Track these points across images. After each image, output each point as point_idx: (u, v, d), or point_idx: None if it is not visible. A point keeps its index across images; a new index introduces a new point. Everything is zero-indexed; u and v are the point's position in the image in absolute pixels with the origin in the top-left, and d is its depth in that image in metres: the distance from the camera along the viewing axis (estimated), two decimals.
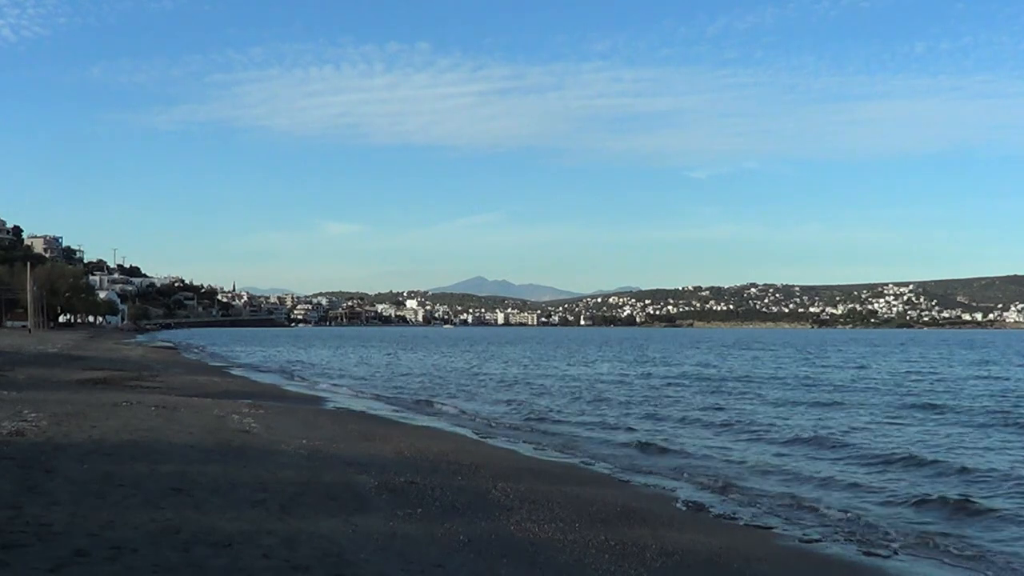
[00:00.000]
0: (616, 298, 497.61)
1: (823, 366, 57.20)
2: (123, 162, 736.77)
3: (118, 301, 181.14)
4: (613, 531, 10.26)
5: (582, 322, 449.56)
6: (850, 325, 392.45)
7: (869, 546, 10.76)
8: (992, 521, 12.20)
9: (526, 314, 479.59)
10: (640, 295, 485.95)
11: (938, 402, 29.76)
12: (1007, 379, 43.87)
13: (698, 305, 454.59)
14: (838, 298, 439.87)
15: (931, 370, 52.22)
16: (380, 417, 23.54)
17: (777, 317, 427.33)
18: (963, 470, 15.88)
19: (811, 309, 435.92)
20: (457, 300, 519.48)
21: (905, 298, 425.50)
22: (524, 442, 19.51)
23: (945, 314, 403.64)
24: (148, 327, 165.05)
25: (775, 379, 43.02)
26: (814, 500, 13.41)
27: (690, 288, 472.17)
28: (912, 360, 66.84)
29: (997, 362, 64.19)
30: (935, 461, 16.84)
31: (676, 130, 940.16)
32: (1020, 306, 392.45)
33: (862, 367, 55.55)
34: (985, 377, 45.58)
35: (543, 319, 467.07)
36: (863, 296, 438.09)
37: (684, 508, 12.61)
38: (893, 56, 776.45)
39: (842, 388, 37.17)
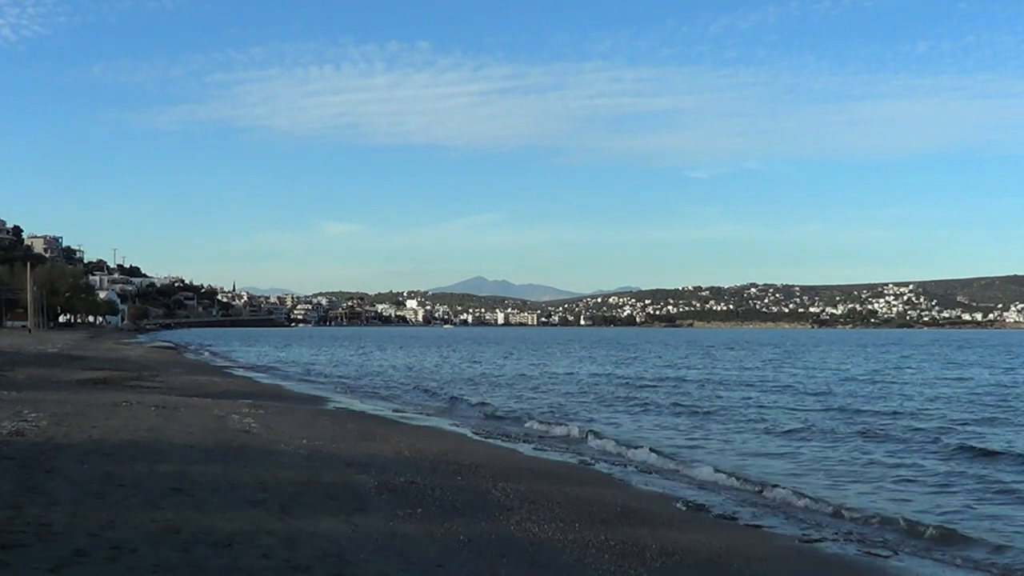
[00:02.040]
0: (616, 298, 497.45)
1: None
2: (123, 162, 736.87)
3: (118, 301, 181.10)
4: (613, 531, 10.26)
5: (582, 322, 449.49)
6: (850, 325, 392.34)
7: (869, 546, 10.77)
8: None
9: (526, 314, 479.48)
10: (640, 295, 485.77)
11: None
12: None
13: (698, 305, 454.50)
14: (838, 298, 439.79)
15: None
16: (380, 417, 23.54)
17: (777, 317, 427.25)
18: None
19: (811, 309, 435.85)
20: (457, 300, 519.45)
21: (905, 298, 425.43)
22: (524, 442, 19.54)
23: (945, 314, 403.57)
24: (148, 327, 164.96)
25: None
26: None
27: (690, 288, 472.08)
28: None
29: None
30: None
31: (677, 130, 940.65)
32: (1020, 306, 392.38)
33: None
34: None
35: (543, 319, 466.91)
36: (863, 296, 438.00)
37: (684, 508, 12.61)
38: (895, 56, 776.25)
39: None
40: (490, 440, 19.58)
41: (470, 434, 20.59)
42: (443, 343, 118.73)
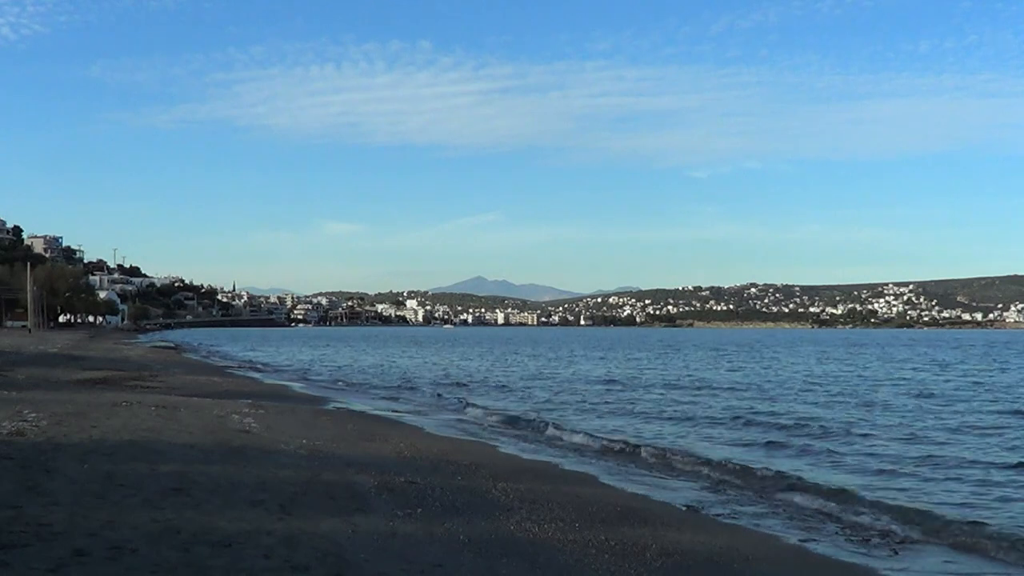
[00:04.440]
0: (616, 298, 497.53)
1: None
2: (123, 162, 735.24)
3: (118, 301, 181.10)
4: (613, 531, 10.26)
5: (582, 322, 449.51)
6: (850, 325, 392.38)
7: (869, 546, 10.78)
8: None
9: (526, 314, 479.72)
10: (640, 295, 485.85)
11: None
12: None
13: (698, 305, 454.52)
14: (838, 298, 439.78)
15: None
16: (380, 417, 23.55)
17: (777, 317, 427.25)
18: None
19: (811, 309, 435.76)
20: (457, 300, 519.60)
21: (905, 298, 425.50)
22: (524, 442, 19.55)
23: (945, 314, 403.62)
24: (148, 327, 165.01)
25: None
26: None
27: (690, 288, 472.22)
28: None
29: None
30: None
31: (678, 129, 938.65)
32: (1020, 306, 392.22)
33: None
34: None
35: (543, 319, 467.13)
36: (863, 296, 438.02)
37: (684, 508, 12.62)
38: (897, 55, 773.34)
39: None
40: (490, 440, 19.59)
41: (470, 434, 20.61)
42: (422, 343, 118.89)
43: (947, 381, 42.66)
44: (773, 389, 36.85)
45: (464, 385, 39.05)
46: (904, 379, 44.42)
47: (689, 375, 47.21)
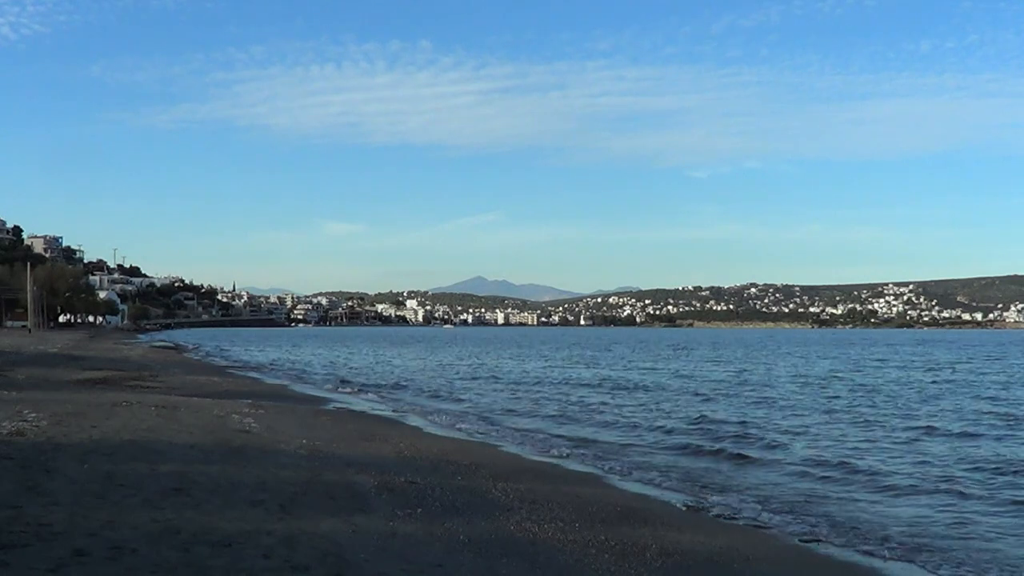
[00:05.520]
0: (616, 298, 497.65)
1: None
2: (123, 162, 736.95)
3: (118, 301, 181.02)
4: (613, 531, 10.26)
5: (582, 322, 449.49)
6: (850, 325, 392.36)
7: (869, 547, 10.78)
8: None
9: (526, 314, 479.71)
10: (640, 295, 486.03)
11: None
12: None
13: (698, 305, 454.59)
14: (838, 298, 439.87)
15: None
16: (380, 417, 23.56)
17: (777, 317, 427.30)
18: None
19: (811, 309, 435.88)
20: (457, 300, 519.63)
21: (905, 298, 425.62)
22: (524, 443, 19.55)
23: (945, 314, 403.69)
24: (148, 327, 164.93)
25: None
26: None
27: (690, 288, 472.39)
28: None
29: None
30: None
31: (678, 129, 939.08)
32: (1020, 306, 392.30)
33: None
34: None
35: (543, 319, 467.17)
36: (863, 296, 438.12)
37: (684, 508, 12.62)
38: (898, 54, 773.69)
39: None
40: (490, 440, 19.60)
41: (469, 434, 20.62)
42: (409, 343, 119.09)
43: (933, 382, 42.37)
44: (703, 388, 36.74)
45: (403, 387, 37.70)
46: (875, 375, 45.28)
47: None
